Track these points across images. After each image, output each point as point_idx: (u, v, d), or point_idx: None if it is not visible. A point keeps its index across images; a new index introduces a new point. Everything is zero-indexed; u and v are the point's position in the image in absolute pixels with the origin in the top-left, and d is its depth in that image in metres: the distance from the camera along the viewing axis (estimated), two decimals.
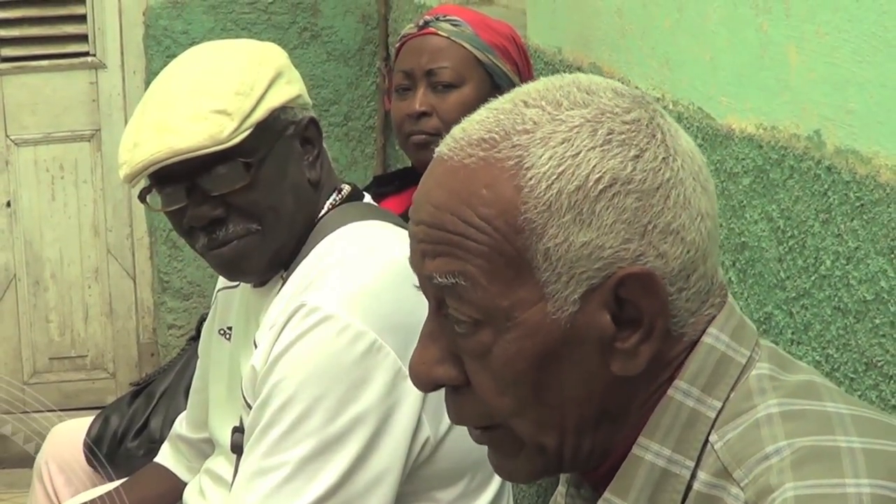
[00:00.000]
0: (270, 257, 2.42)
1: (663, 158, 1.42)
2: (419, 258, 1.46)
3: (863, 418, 1.41)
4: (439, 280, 1.42)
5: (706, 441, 1.43)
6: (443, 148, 1.47)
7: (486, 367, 1.44)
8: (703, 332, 1.47)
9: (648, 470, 1.45)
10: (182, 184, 2.35)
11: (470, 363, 1.45)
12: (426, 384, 1.49)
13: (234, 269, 2.47)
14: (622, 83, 2.92)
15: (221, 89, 2.34)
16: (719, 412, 1.44)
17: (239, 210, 2.36)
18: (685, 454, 1.43)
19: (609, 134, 1.41)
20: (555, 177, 1.40)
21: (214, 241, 2.38)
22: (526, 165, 1.40)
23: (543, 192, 1.39)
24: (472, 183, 1.42)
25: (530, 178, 1.40)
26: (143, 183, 2.40)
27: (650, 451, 1.45)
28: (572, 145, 1.40)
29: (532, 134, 1.42)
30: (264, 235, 2.39)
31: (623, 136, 1.42)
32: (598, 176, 1.39)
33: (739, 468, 1.37)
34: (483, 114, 1.47)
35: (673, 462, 1.44)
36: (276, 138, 2.39)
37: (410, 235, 1.47)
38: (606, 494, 1.45)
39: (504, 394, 1.44)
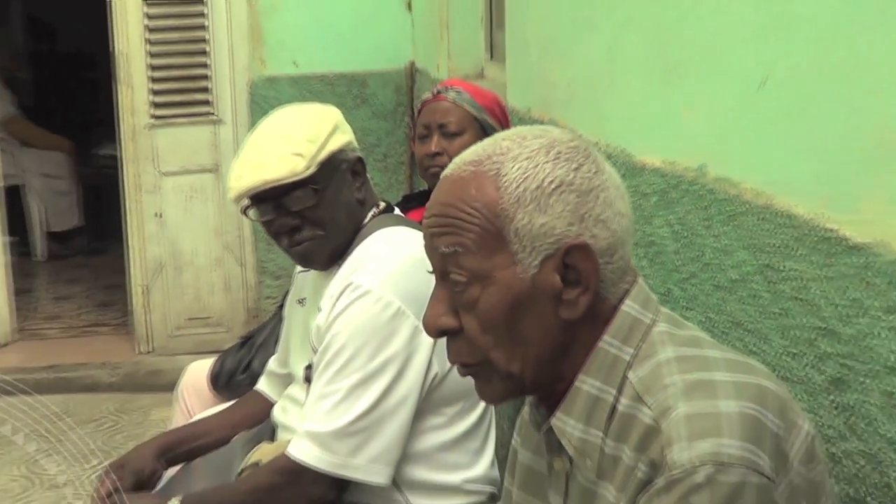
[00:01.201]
0: (330, 253, 2.53)
1: (595, 171, 1.52)
2: (430, 239, 1.55)
3: (731, 360, 1.48)
4: (444, 250, 1.52)
5: (625, 376, 1.49)
6: (446, 171, 1.57)
7: (474, 314, 1.52)
8: (622, 301, 1.53)
9: (586, 397, 1.51)
10: (271, 203, 2.47)
11: (463, 314, 1.53)
12: (434, 330, 1.56)
13: (306, 261, 2.59)
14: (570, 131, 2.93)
15: (297, 138, 2.45)
16: (633, 357, 1.50)
17: (310, 221, 2.47)
18: (611, 385, 1.49)
19: (558, 153, 1.51)
20: (521, 180, 1.49)
21: (293, 242, 2.50)
22: (502, 173, 1.50)
23: (514, 190, 1.48)
24: (466, 185, 1.51)
25: (505, 181, 1.49)
26: (245, 202, 2.52)
27: (586, 384, 1.51)
28: (532, 161, 1.50)
29: (506, 154, 1.51)
30: (326, 239, 2.50)
31: (567, 155, 1.51)
32: (550, 179, 1.48)
33: (648, 395, 1.44)
34: (473, 147, 1.57)
35: (602, 391, 1.50)
36: (335, 171, 2.49)
37: (424, 227, 1.57)
38: (558, 413, 1.53)
39: (486, 332, 1.51)
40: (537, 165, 1.49)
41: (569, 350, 1.52)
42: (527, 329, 1.51)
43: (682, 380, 1.43)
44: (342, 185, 2.51)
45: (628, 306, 1.53)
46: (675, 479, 1.33)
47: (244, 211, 2.57)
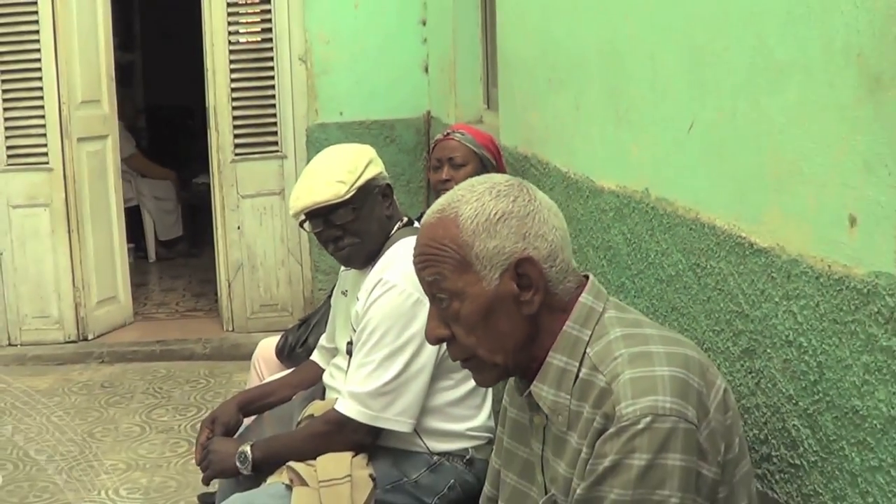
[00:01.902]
0: (365, 256, 2.52)
1: (528, 199, 1.52)
2: (418, 272, 1.57)
3: (664, 336, 1.50)
4: (429, 278, 1.54)
5: (585, 352, 1.50)
6: (423, 219, 1.59)
7: (459, 323, 1.53)
8: (580, 295, 1.54)
9: (555, 369, 1.52)
10: (320, 218, 2.49)
11: (452, 324, 1.54)
12: (433, 339, 1.58)
13: (347, 262, 2.59)
14: (545, 164, 2.97)
15: (340, 169, 2.46)
16: (590, 337, 1.51)
17: (349, 232, 2.48)
18: (574, 359, 1.51)
19: (498, 192, 1.52)
20: (473, 217, 1.50)
21: (337, 248, 2.51)
22: (459, 214, 1.51)
23: (469, 225, 1.50)
24: (435, 228, 1.54)
25: (462, 220, 1.51)
26: (301, 217, 2.52)
27: (556, 359, 1.53)
28: (480, 201, 1.51)
29: (460, 200, 1.53)
30: (363, 245, 2.50)
31: (505, 191, 1.53)
32: (495, 212, 1.50)
33: (602, 364, 1.46)
34: (439, 199, 1.58)
35: (568, 364, 1.51)
36: (369, 195, 2.49)
37: (413, 263, 1.59)
38: (535, 382, 1.54)
39: (470, 335, 1.53)
40: (483, 204, 1.50)
41: (536, 337, 1.53)
42: (500, 327, 1.51)
43: (627, 352, 1.45)
44: (374, 205, 2.50)
45: (585, 298, 1.54)
46: (623, 427, 1.36)
47: (301, 224, 2.57)
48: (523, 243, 1.49)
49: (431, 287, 1.54)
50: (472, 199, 1.52)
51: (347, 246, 2.50)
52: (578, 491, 1.42)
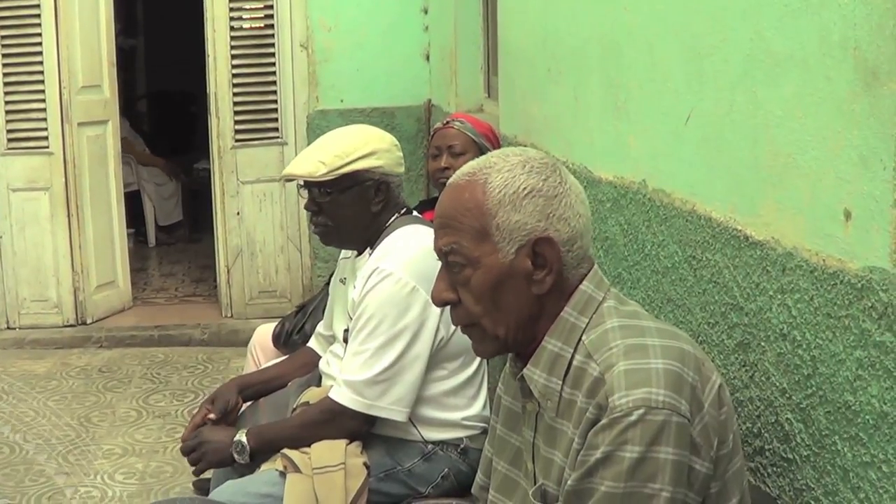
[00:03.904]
0: (342, 241, 2.58)
1: (559, 182, 1.52)
2: (437, 233, 1.56)
3: (661, 329, 1.49)
4: (444, 248, 1.53)
5: (580, 339, 1.49)
6: (450, 180, 1.58)
7: (468, 290, 1.53)
8: (581, 282, 1.53)
9: (549, 353, 1.52)
10: (308, 189, 2.50)
11: (460, 289, 1.54)
12: (439, 301, 1.57)
13: (323, 240, 2.59)
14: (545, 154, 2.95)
15: (331, 151, 2.44)
16: (587, 324, 1.51)
17: (323, 212, 2.48)
18: (569, 346, 1.50)
19: (531, 167, 1.51)
20: (502, 186, 1.49)
21: (314, 223, 2.52)
22: (489, 182, 1.50)
23: (496, 195, 1.49)
24: (462, 191, 1.53)
25: (490, 188, 1.50)
26: (300, 183, 2.51)
27: (550, 343, 1.52)
28: (511, 172, 1.50)
29: (492, 167, 1.52)
30: (336, 231, 2.50)
31: (538, 169, 1.51)
32: (524, 187, 1.49)
33: (596, 353, 1.45)
34: (470, 162, 1.58)
35: (562, 349, 1.50)
36: (355, 184, 2.45)
37: (433, 226, 1.58)
38: (528, 365, 1.54)
39: (477, 303, 1.52)
40: (515, 175, 1.49)
41: (539, 318, 1.52)
42: (507, 301, 1.50)
43: (623, 343, 1.43)
44: (359, 196, 2.46)
45: (585, 286, 1.53)
46: (616, 418, 1.35)
47: (299, 190, 2.59)
48: (545, 223, 1.48)
49: (446, 251, 1.53)
50: (505, 168, 1.51)
51: (321, 224, 2.50)
52: (569, 482, 1.41)
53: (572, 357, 1.48)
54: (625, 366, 1.39)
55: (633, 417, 1.34)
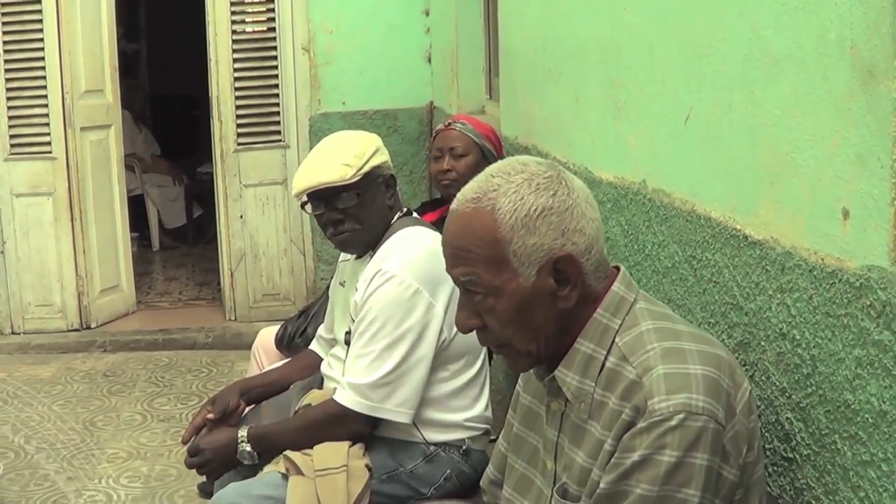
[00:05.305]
0: (363, 244, 2.52)
1: (567, 193, 1.49)
2: (450, 267, 1.54)
3: (695, 334, 1.49)
4: (462, 278, 1.51)
5: (613, 341, 1.49)
6: (453, 206, 1.54)
7: (494, 316, 1.51)
8: (611, 285, 1.53)
9: (582, 355, 1.51)
10: (323, 200, 2.46)
11: (485, 315, 1.52)
12: (465, 329, 1.56)
13: (344, 247, 2.57)
14: (545, 155, 2.98)
15: (348, 152, 2.44)
16: (620, 326, 1.50)
17: (351, 217, 2.46)
18: (602, 347, 1.49)
19: (538, 185, 1.48)
20: (512, 212, 1.46)
21: (336, 231, 2.49)
22: (497, 208, 1.47)
23: (508, 220, 1.47)
24: (470, 221, 1.49)
25: (500, 214, 1.47)
26: (304, 198, 2.50)
27: (583, 345, 1.51)
28: (518, 194, 1.47)
29: (497, 190, 1.48)
30: (363, 232, 2.48)
31: (545, 185, 1.48)
32: (535, 208, 1.46)
33: (632, 356, 1.44)
34: (471, 184, 1.54)
35: (595, 351, 1.50)
36: (373, 182, 2.47)
37: (444, 256, 1.54)
38: (560, 367, 1.53)
39: (505, 328, 1.51)
40: (522, 197, 1.47)
41: (569, 328, 1.52)
42: (535, 320, 1.50)
43: (659, 346, 1.43)
44: (378, 193, 2.49)
45: (617, 287, 1.52)
46: (655, 422, 1.35)
47: (303, 205, 2.55)
48: (562, 239, 1.47)
49: (464, 280, 1.51)
50: (510, 190, 1.48)
51: (347, 231, 2.47)
52: (602, 484, 1.40)
53: (605, 359, 1.48)
54: (664, 370, 1.39)
55: (672, 422, 1.34)
